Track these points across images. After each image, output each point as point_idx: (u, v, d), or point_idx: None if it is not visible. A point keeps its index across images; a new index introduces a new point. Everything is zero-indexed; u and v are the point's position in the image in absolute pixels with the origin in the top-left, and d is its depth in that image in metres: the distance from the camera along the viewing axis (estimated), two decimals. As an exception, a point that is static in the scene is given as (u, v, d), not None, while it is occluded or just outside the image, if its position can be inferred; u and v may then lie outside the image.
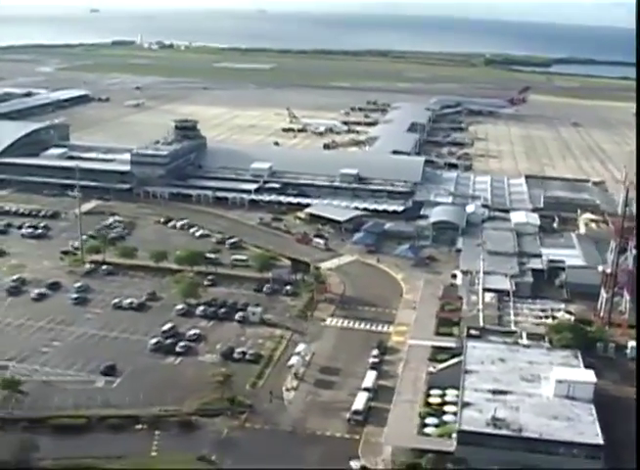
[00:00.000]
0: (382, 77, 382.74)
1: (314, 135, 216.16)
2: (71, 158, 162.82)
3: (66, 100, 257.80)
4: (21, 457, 64.93)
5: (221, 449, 68.81)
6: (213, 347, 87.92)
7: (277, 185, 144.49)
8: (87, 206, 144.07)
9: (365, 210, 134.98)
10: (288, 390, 79.25)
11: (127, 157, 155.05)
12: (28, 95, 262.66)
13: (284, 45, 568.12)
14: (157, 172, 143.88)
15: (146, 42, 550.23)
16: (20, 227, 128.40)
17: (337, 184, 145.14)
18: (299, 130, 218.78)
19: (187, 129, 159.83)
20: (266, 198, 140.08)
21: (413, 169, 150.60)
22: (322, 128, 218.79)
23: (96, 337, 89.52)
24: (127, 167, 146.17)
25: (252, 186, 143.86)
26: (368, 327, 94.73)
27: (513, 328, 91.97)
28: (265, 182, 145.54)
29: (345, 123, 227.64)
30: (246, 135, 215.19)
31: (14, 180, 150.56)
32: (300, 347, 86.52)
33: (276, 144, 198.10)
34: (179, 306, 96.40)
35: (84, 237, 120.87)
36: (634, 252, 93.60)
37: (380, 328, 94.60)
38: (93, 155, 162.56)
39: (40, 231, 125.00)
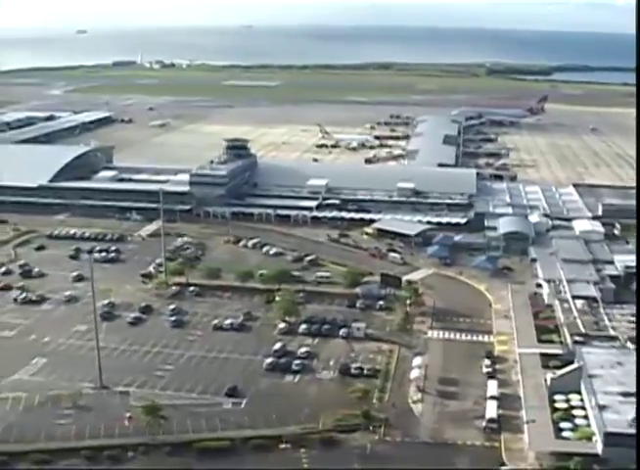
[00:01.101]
0: (393, 91, 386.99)
1: (348, 150, 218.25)
2: (122, 180, 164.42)
3: (90, 122, 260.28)
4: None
5: (371, 464, 70.02)
6: (327, 363, 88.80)
7: (337, 201, 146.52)
8: (150, 227, 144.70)
9: (428, 222, 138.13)
10: (414, 402, 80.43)
11: (181, 177, 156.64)
12: (51, 118, 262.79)
13: (281, 61, 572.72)
14: (216, 192, 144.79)
15: (147, 62, 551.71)
16: (90, 251, 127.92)
17: (395, 198, 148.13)
18: (332, 146, 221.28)
19: (238, 148, 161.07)
20: (329, 214, 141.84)
21: (467, 182, 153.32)
22: (355, 143, 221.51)
23: (206, 359, 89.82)
24: (186, 188, 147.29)
25: (313, 203, 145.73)
26: (469, 338, 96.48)
27: (612, 333, 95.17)
28: (324, 199, 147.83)
29: (377, 138, 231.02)
30: (281, 152, 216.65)
31: (69, 204, 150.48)
32: (417, 360, 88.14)
33: (315, 161, 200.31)
34: (281, 325, 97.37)
35: (159, 259, 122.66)
36: None
37: (480, 338, 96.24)
38: (144, 176, 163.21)
39: (112, 255, 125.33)
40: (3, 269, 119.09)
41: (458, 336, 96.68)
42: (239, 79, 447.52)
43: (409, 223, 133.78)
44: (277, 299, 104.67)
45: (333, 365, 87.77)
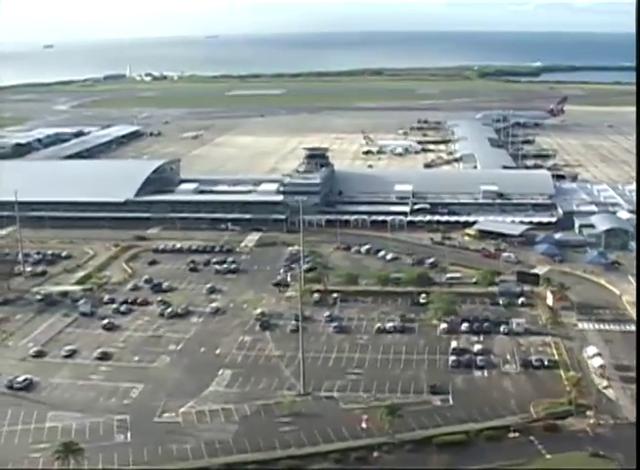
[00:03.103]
0: (397, 96, 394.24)
1: (395, 156, 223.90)
2: (202, 192, 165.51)
3: (122, 136, 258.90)
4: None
5: (602, 445, 73.83)
6: (504, 358, 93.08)
7: (427, 206, 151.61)
8: (252, 238, 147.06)
9: (521, 222, 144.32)
10: (605, 388, 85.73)
11: (266, 187, 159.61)
12: (80, 134, 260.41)
13: (264, 69, 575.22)
14: (311, 200, 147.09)
15: (137, 75, 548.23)
16: (206, 264, 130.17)
17: (482, 201, 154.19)
18: (378, 152, 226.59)
19: (318, 157, 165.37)
20: (424, 218, 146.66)
21: (544, 183, 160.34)
22: (400, 149, 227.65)
23: (388, 360, 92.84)
24: (279, 197, 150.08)
25: (406, 208, 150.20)
26: (618, 327, 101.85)
27: None
28: (414, 203, 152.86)
29: (419, 143, 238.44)
30: (332, 160, 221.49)
31: (161, 218, 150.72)
32: (591, 349, 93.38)
33: (370, 167, 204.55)
34: (443, 325, 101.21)
35: (283, 269, 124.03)
36: None
37: (628, 327, 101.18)
38: (224, 187, 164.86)
39: (234, 266, 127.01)
40: (130, 285, 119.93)
41: (607, 326, 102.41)
42: (239, 89, 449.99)
43: (510, 224, 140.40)
44: (421, 300, 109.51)
45: (511, 359, 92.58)
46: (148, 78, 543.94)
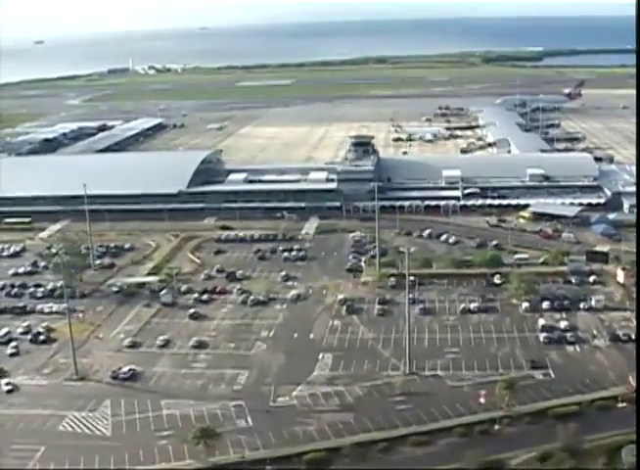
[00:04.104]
0: (409, 84, 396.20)
1: (425, 143, 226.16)
2: (251, 181, 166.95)
3: (147, 129, 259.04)
4: (570, 442, 71.21)
5: None
6: (592, 333, 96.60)
7: (477, 190, 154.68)
8: (311, 225, 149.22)
9: (572, 204, 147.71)
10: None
11: (315, 176, 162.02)
12: (104, 128, 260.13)
13: (264, 60, 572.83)
14: (365, 188, 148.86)
15: (140, 68, 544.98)
16: (272, 252, 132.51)
17: (530, 184, 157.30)
18: (407, 139, 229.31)
19: (364, 145, 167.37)
20: (476, 202, 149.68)
21: (587, 165, 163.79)
22: (429, 135, 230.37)
23: (481, 339, 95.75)
24: (333, 185, 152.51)
25: (457, 193, 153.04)
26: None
27: None
28: (465, 188, 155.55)
29: (447, 129, 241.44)
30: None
31: (215, 208, 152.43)
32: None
33: (404, 153, 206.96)
34: (525, 304, 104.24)
35: (351, 255, 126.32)
36: None
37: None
38: (272, 177, 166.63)
39: (302, 253, 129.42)
40: (203, 275, 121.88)
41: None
42: (246, 80, 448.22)
43: (564, 206, 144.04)
44: (496, 281, 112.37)
45: (598, 334, 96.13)
46: (152, 71, 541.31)
